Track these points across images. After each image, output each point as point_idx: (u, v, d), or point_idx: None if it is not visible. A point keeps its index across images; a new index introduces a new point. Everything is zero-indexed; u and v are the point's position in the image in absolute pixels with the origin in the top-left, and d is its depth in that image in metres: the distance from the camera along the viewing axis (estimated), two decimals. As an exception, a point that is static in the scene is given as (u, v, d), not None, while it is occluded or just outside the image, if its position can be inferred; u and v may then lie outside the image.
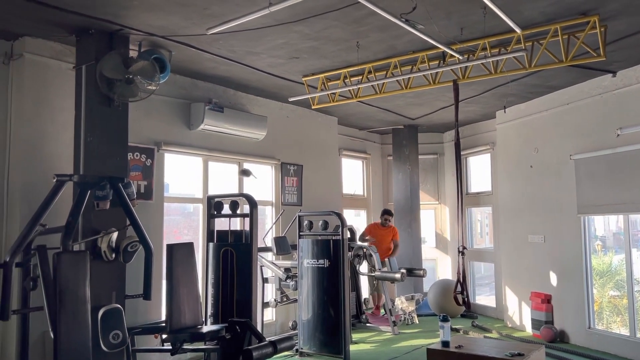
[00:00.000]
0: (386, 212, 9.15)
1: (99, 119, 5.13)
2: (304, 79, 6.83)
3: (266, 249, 7.47)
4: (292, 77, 6.86)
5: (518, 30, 5.05)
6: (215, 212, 6.11)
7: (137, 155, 6.15)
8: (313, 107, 7.25)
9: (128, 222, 4.98)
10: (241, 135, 7.30)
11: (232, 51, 5.88)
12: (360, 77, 6.49)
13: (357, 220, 10.54)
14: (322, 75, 6.65)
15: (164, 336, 5.23)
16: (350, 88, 6.55)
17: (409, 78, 6.41)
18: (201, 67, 6.43)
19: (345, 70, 6.44)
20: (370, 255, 8.14)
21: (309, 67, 6.49)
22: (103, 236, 4.92)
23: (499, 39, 5.38)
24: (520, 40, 5.30)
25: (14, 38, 5.34)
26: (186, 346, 5.29)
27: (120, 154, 5.30)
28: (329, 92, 6.78)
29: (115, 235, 4.97)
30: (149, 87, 5.28)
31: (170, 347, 5.18)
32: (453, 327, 7.71)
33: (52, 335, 4.26)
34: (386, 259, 8.48)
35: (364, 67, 6.28)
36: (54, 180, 4.69)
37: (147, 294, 4.92)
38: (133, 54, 5.46)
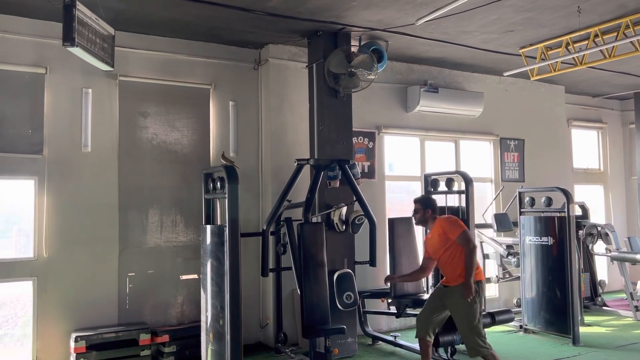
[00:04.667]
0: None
1: (327, 110, 5.89)
2: (521, 50, 6.62)
3: (486, 226, 7.49)
4: (508, 50, 6.72)
5: None
6: (432, 189, 6.41)
7: (360, 139, 6.83)
8: (533, 78, 6.96)
9: (354, 198, 5.64)
10: (457, 114, 7.45)
11: (445, 33, 6.06)
12: (586, 42, 6.03)
13: (592, 196, 9.66)
14: (540, 45, 6.37)
15: (389, 300, 5.80)
16: (574, 55, 6.14)
17: (646, 36, 5.71)
18: (416, 51, 6.76)
19: (566, 37, 6.07)
20: (606, 234, 7.50)
21: (525, 38, 6.29)
22: (335, 210, 5.69)
23: None
24: None
25: (261, 47, 6.44)
26: (410, 311, 5.77)
27: (346, 138, 6.00)
28: (549, 62, 6.45)
29: (344, 209, 5.69)
30: (369, 77, 5.84)
31: (395, 311, 5.73)
32: None
33: (298, 291, 5.15)
34: (628, 238, 7.66)
35: (588, 31, 5.83)
36: (295, 164, 5.57)
37: (372, 261, 5.56)
38: (354, 49, 6.06)
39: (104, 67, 4.81)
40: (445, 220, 4.59)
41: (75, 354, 5.05)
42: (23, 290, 5.25)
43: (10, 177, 5.20)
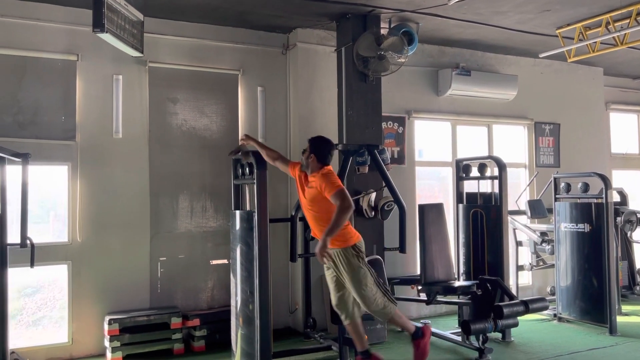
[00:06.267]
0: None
1: (356, 94, 5.80)
2: (557, 31, 6.39)
3: (519, 212, 7.32)
4: (543, 31, 6.49)
5: None
6: (464, 175, 6.29)
7: (390, 124, 6.73)
8: (570, 60, 6.71)
9: (384, 184, 5.57)
10: (489, 97, 7.27)
11: (478, 14, 5.89)
12: (627, 21, 5.77)
13: (631, 182, 9.32)
14: (578, 24, 6.13)
15: (419, 287, 5.74)
16: (615, 35, 5.89)
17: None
18: (448, 33, 6.60)
19: (607, 15, 5.81)
20: (646, 221, 7.23)
21: (563, 18, 6.06)
22: (364, 196, 5.63)
23: None
24: None
25: (289, 31, 6.38)
26: (440, 298, 5.70)
27: (375, 123, 5.91)
28: (588, 42, 6.21)
29: (373, 195, 5.63)
30: (399, 60, 5.73)
31: (425, 298, 5.66)
32: None
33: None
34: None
35: (630, 9, 5.57)
36: (324, 149, 5.52)
37: (402, 248, 5.50)
38: (384, 31, 5.95)
39: (134, 53, 4.84)
40: (325, 177, 4.04)
41: (109, 336, 5.17)
42: (59, 274, 5.39)
43: (45, 163, 5.30)
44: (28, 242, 4.37)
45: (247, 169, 4.96)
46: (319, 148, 4.20)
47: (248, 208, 5.24)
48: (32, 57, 5.28)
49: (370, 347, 4.48)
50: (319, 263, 5.04)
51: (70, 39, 5.38)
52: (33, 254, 4.46)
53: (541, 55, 7.07)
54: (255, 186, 4.70)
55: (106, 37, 4.24)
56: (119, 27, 4.36)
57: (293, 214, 5.29)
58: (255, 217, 4.66)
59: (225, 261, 5.87)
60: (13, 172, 4.40)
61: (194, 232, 5.94)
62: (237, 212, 5.13)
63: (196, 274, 5.92)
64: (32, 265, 4.49)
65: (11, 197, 4.35)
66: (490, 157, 6.46)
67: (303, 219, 5.72)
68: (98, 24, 4.07)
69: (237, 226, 5.05)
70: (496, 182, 5.93)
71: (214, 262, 5.99)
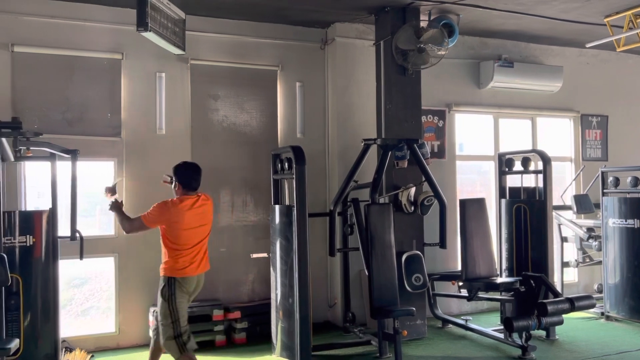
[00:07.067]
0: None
1: (395, 88, 5.75)
2: (605, 19, 6.15)
3: (564, 207, 7.11)
4: (590, 20, 6.25)
5: None
6: (507, 169, 6.15)
7: (430, 118, 6.64)
8: (619, 50, 6.45)
9: (423, 179, 5.51)
10: (533, 89, 7.08)
11: (521, 4, 5.73)
12: (681, 7, 5.50)
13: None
14: (629, 12, 5.88)
15: (461, 284, 5.66)
16: (667, 21, 5.62)
17: None
18: (489, 24, 6.45)
19: (659, 1, 5.55)
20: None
21: (611, 6, 5.82)
22: (403, 191, 5.58)
23: None
24: None
25: (327, 26, 6.37)
26: (482, 295, 5.62)
27: (415, 117, 5.84)
28: (638, 31, 5.95)
29: (413, 190, 5.58)
30: (439, 53, 5.64)
31: (467, 294, 5.59)
32: None
33: (366, 272, 5.12)
34: None
35: (685, -6, 5.31)
36: (362, 144, 5.50)
37: (442, 243, 5.43)
38: (423, 24, 5.87)
39: (176, 51, 4.94)
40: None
41: (153, 327, 5.31)
42: (106, 266, 5.58)
43: (93, 159, 5.49)
44: (77, 235, 4.54)
45: (287, 164, 5.01)
46: (181, 174, 4.24)
47: (287, 202, 5.29)
48: (80, 57, 5.46)
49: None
50: (358, 258, 5.06)
51: (115, 38, 5.54)
52: (82, 247, 4.62)
53: (588, 45, 6.82)
54: (294, 181, 4.74)
55: (150, 35, 4.34)
56: (161, 25, 4.46)
57: (332, 208, 5.30)
58: (295, 212, 4.70)
59: (265, 255, 5.94)
60: (63, 167, 4.59)
61: (235, 226, 6.04)
62: (277, 207, 5.19)
63: (237, 267, 6.02)
64: (81, 257, 4.66)
65: (61, 191, 4.54)
66: (534, 150, 6.30)
67: (342, 213, 5.75)
68: (142, 23, 4.17)
69: (277, 220, 5.11)
70: (540, 176, 5.79)
71: (254, 255, 6.07)
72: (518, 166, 6.02)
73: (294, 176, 4.75)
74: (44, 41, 5.29)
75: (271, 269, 5.27)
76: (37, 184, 5.41)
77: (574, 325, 6.01)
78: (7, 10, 5.16)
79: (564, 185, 7.35)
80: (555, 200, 6.21)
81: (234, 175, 6.05)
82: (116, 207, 4.32)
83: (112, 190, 4.41)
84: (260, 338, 5.55)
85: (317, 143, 6.37)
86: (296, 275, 4.65)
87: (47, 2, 5.28)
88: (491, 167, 7.08)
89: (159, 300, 4.15)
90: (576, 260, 7.04)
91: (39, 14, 5.27)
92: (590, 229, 6.80)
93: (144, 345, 5.32)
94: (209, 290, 5.84)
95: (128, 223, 4.26)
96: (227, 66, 6.03)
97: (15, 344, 3.68)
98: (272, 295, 5.22)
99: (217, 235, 5.92)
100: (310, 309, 4.70)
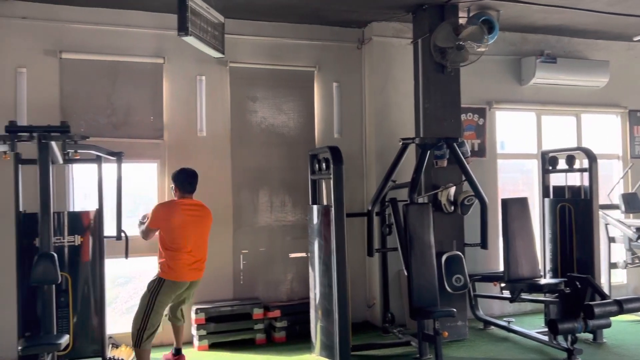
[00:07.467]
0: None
1: (434, 86, 5.69)
2: (655, 11, 5.91)
3: (612, 206, 6.85)
4: (639, 12, 6.02)
5: None
6: (550, 168, 5.99)
7: (469, 116, 6.54)
8: (669, 42, 6.21)
9: (463, 178, 5.43)
10: (578, 85, 6.88)
11: (564, -3, 5.58)
12: None
13: None
14: (680, 2, 5.63)
15: (503, 285, 5.55)
16: None
17: None
18: (530, 20, 6.30)
19: None
20: None
21: (661, -3, 5.59)
22: (442, 190, 5.51)
23: None
24: None
25: (364, 25, 6.36)
26: (525, 296, 5.48)
27: (454, 115, 5.76)
28: (690, 21, 5.70)
29: (453, 189, 5.50)
30: (479, 50, 5.55)
31: (509, 295, 5.47)
32: None
33: (405, 273, 5.09)
34: None
35: None
36: (400, 143, 5.47)
37: (484, 243, 5.34)
38: (462, 21, 5.78)
39: (216, 55, 5.03)
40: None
41: (196, 325, 5.43)
42: (149, 265, 5.72)
43: (137, 161, 5.65)
44: (123, 234, 4.69)
45: (324, 164, 5.03)
46: (178, 178, 4.78)
47: (325, 203, 5.31)
48: (124, 62, 5.63)
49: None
50: (397, 258, 5.02)
51: (157, 43, 5.69)
52: (127, 246, 4.78)
53: (636, 39, 6.58)
54: (332, 181, 4.76)
55: (190, 40, 4.44)
56: (201, 29, 4.55)
57: (370, 208, 5.29)
58: (332, 212, 4.71)
59: (303, 254, 5.98)
60: (108, 169, 4.75)
61: (274, 226, 6.10)
62: (315, 207, 5.22)
63: (276, 267, 6.08)
64: (126, 256, 4.82)
65: (106, 192, 4.71)
66: (579, 148, 6.11)
67: (380, 213, 5.73)
68: (183, 28, 4.27)
69: (315, 220, 5.14)
70: (586, 174, 5.61)
71: (293, 255, 6.11)
72: (562, 164, 5.86)
73: (332, 176, 4.76)
74: (90, 47, 5.48)
75: (310, 268, 5.30)
76: (83, 185, 5.60)
77: (622, 328, 5.80)
78: (56, 18, 5.37)
79: (611, 184, 7.09)
80: (602, 199, 6.00)
81: (272, 176, 6.11)
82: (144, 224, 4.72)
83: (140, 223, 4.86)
84: (299, 337, 5.59)
85: (354, 143, 6.37)
86: (334, 275, 4.66)
87: (93, 9, 5.47)
88: (534, 166, 6.92)
89: (145, 290, 4.57)
90: (624, 261, 6.78)
91: (85, 22, 5.46)
92: (639, 229, 6.54)
93: (186, 343, 5.42)
94: (249, 289, 5.95)
95: (143, 232, 4.75)
96: (265, 68, 6.10)
97: (65, 339, 3.82)
98: (311, 295, 5.25)
99: (256, 235, 6.03)
100: (349, 309, 4.70)
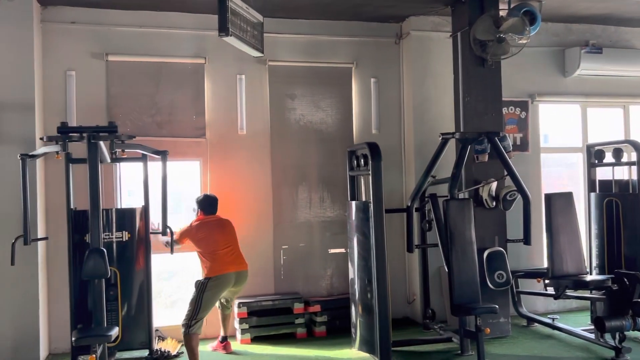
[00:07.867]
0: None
1: (474, 80, 5.61)
2: None
3: (663, 201, 6.61)
4: (691, -3, 5.77)
5: None
6: (596, 161, 5.81)
7: (511, 109, 6.41)
8: None
9: (505, 173, 5.33)
10: (625, 75, 6.67)
11: (610, -15, 5.40)
12: None
13: None
14: None
15: (547, 281, 5.44)
16: None
17: None
18: (574, 9, 6.12)
19: None
20: None
21: None
22: (483, 186, 5.44)
23: None
24: None
25: (402, 20, 6.33)
26: (570, 293, 5.36)
27: (495, 109, 5.67)
28: None
29: (494, 185, 5.42)
30: (520, 42, 5.44)
31: (553, 292, 5.35)
32: None
33: (446, 269, 5.05)
34: None
35: None
36: (440, 138, 5.42)
37: (527, 239, 5.25)
38: (502, 12, 5.66)
39: (255, 54, 5.11)
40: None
41: (239, 318, 5.55)
42: (192, 260, 5.87)
43: (180, 159, 5.80)
44: (168, 230, 4.84)
45: (362, 160, 5.04)
46: (202, 203, 5.25)
47: (364, 198, 5.32)
48: (167, 62, 5.79)
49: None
50: (437, 254, 4.99)
51: (199, 43, 5.82)
52: (172, 242, 4.93)
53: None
54: (370, 177, 4.76)
55: (230, 40, 4.53)
56: (241, 29, 4.63)
57: (409, 204, 5.27)
58: (371, 208, 4.73)
59: (342, 250, 6.01)
60: (153, 167, 4.90)
61: (313, 222, 6.16)
62: (353, 203, 5.24)
63: (316, 262, 6.14)
64: (172, 251, 4.97)
65: (151, 190, 4.86)
66: (627, 141, 5.90)
67: (419, 209, 5.70)
68: (223, 28, 4.36)
69: (354, 216, 5.16)
70: (634, 168, 5.42)
71: (332, 250, 6.16)
72: (609, 158, 5.67)
73: (370, 172, 4.77)
74: (134, 50, 5.66)
75: (349, 264, 5.33)
76: (127, 183, 5.80)
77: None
78: (102, 22, 5.57)
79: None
80: (652, 194, 5.79)
81: (311, 172, 6.17)
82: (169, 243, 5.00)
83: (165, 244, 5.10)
84: (339, 332, 5.63)
85: (392, 138, 6.35)
86: (374, 271, 4.68)
87: (137, 12, 5.64)
88: (579, 160, 6.73)
89: (193, 289, 4.87)
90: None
91: (130, 24, 5.64)
92: (693, 224, 6.27)
93: (230, 337, 5.54)
94: (290, 284, 6.03)
95: (169, 242, 5.04)
96: (303, 66, 6.16)
97: (115, 331, 3.99)
98: (351, 290, 5.28)
99: (295, 231, 6.10)
100: (389, 305, 4.71)
